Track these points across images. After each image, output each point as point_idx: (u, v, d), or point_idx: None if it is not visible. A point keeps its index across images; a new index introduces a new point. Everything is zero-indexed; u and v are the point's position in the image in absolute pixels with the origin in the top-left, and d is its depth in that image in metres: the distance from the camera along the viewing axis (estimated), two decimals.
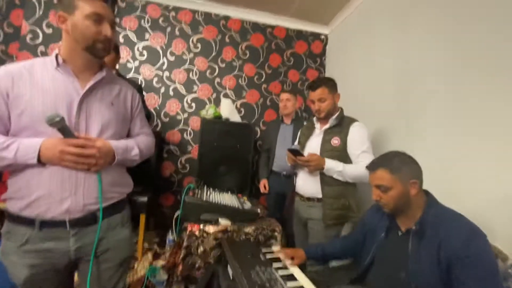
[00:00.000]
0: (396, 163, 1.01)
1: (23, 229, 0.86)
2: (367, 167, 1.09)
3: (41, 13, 2.52)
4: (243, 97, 3.11)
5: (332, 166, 1.50)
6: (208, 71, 3.02)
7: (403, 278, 0.96)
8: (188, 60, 2.98)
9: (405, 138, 1.87)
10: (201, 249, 1.39)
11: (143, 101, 2.16)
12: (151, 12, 2.89)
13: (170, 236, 2.28)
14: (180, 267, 1.35)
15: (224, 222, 1.51)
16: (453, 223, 0.91)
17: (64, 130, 0.83)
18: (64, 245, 0.89)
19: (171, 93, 2.94)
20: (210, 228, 1.42)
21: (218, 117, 2.43)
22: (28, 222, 0.86)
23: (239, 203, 1.69)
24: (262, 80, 3.16)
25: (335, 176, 1.51)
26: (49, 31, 2.57)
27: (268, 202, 2.42)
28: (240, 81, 3.11)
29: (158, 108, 2.88)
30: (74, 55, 0.91)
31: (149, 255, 2.23)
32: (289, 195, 1.92)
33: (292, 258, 1.27)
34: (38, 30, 2.53)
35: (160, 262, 2.12)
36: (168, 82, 2.93)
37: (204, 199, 1.59)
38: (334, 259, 1.43)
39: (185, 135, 2.97)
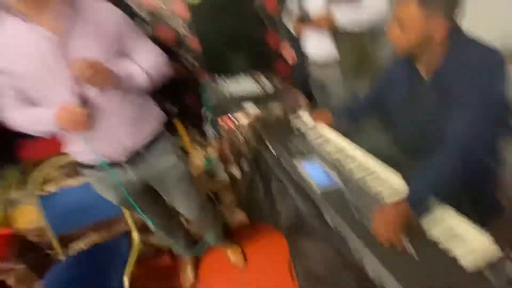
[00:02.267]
0: None
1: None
2: None
3: None
4: None
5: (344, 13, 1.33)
6: None
7: (431, 131, 0.91)
8: None
9: None
10: (241, 138, 1.58)
11: (131, 9, 1.86)
12: None
13: (208, 129, 2.51)
14: (231, 157, 1.60)
15: (251, 109, 1.60)
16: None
17: None
18: (128, 176, 1.07)
19: None
20: (243, 120, 1.55)
21: None
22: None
23: (259, 87, 1.71)
24: None
25: (349, 26, 1.36)
26: None
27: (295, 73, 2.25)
28: None
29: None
30: None
31: (198, 148, 2.57)
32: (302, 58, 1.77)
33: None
34: None
35: (210, 150, 2.44)
36: None
37: (225, 94, 1.62)
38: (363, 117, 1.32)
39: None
